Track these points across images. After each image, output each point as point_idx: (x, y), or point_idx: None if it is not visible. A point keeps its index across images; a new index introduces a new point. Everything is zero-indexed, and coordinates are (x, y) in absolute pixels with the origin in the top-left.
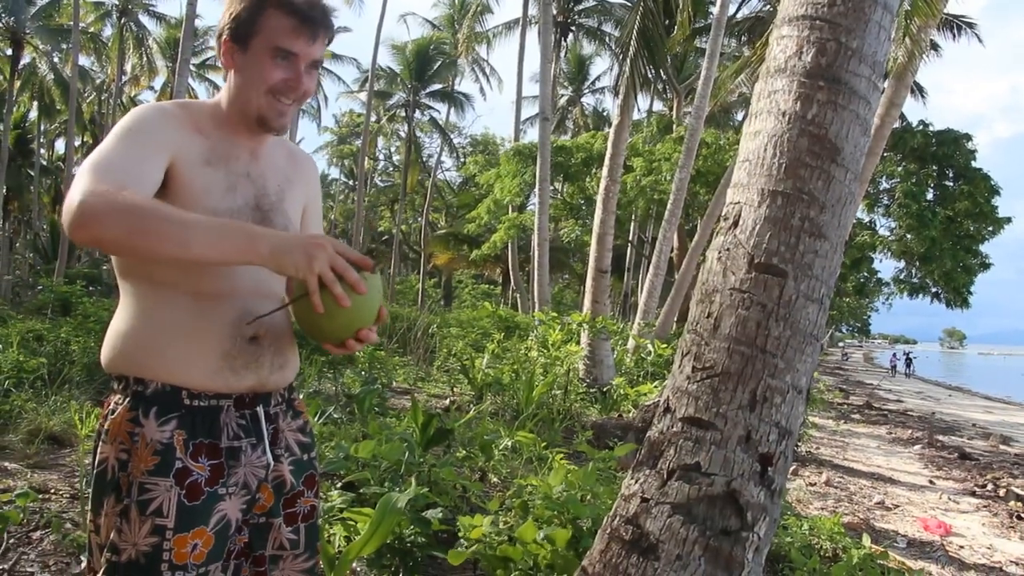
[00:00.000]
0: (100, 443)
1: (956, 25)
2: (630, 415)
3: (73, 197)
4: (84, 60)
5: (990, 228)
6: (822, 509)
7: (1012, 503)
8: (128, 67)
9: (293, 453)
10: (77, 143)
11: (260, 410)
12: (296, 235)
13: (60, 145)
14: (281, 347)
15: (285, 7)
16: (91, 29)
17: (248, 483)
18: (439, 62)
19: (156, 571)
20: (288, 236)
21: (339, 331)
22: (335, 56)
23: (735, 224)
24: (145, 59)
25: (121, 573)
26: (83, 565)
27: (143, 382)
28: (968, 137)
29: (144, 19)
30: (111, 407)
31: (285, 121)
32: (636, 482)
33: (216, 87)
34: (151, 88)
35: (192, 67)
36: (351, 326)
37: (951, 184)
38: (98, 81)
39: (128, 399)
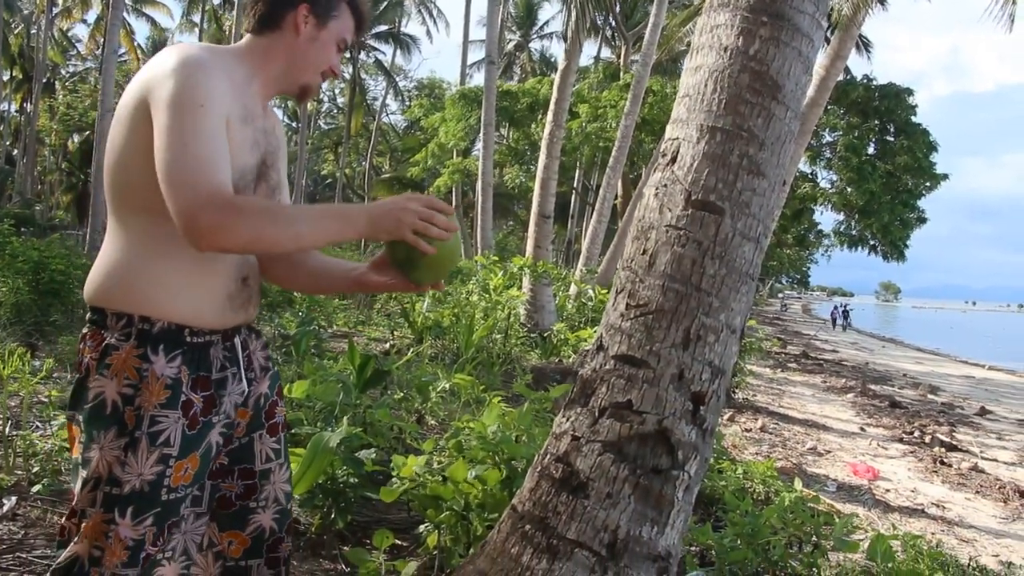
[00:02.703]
0: (95, 377)
1: None
2: (570, 360)
3: (192, 209)
4: None
5: (927, 184)
6: (757, 454)
7: (936, 449)
8: None
9: (265, 368)
10: (5, 77)
11: (238, 340)
12: (380, 203)
13: None
14: (258, 286)
15: (355, 8)
16: None
17: (228, 411)
18: (385, 3)
19: (157, 496)
20: (376, 206)
21: (437, 272)
22: None
23: (673, 160)
24: None
25: (122, 503)
26: (4, 509)
27: (149, 320)
28: (909, 92)
29: None
30: (108, 342)
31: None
32: (567, 420)
33: (154, 22)
34: (84, 21)
35: (128, 1)
36: (447, 266)
37: (892, 139)
38: (27, 12)
39: (133, 337)
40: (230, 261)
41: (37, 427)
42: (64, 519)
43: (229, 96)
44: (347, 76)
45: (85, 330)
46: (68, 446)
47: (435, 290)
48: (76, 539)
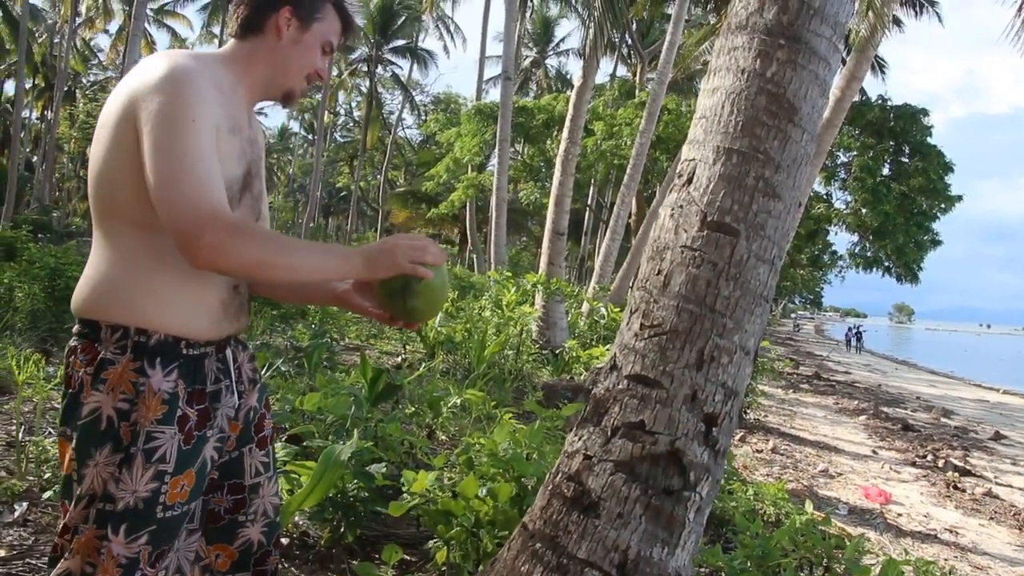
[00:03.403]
0: (90, 392)
1: (919, 3)
2: (581, 377)
3: (192, 228)
4: None
5: (942, 205)
6: (768, 476)
7: (949, 473)
8: (83, 8)
9: (253, 381)
10: (28, 85)
11: (229, 352)
12: (373, 244)
13: (9, 87)
14: (247, 294)
15: (341, 10)
16: None
17: (222, 425)
18: (403, 17)
19: (151, 513)
20: (370, 247)
21: (432, 303)
22: None
23: (689, 181)
24: (101, 1)
25: (116, 520)
26: (15, 514)
27: (145, 333)
28: (925, 113)
29: None
30: (103, 356)
31: (298, 102)
32: (580, 439)
33: (174, 33)
34: (106, 32)
35: (149, 12)
36: (440, 297)
37: (906, 160)
38: (50, 21)
39: (129, 350)
40: None
41: (50, 433)
42: (57, 535)
43: (218, 106)
44: (364, 90)
45: (75, 343)
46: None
47: (409, 328)
48: (68, 555)
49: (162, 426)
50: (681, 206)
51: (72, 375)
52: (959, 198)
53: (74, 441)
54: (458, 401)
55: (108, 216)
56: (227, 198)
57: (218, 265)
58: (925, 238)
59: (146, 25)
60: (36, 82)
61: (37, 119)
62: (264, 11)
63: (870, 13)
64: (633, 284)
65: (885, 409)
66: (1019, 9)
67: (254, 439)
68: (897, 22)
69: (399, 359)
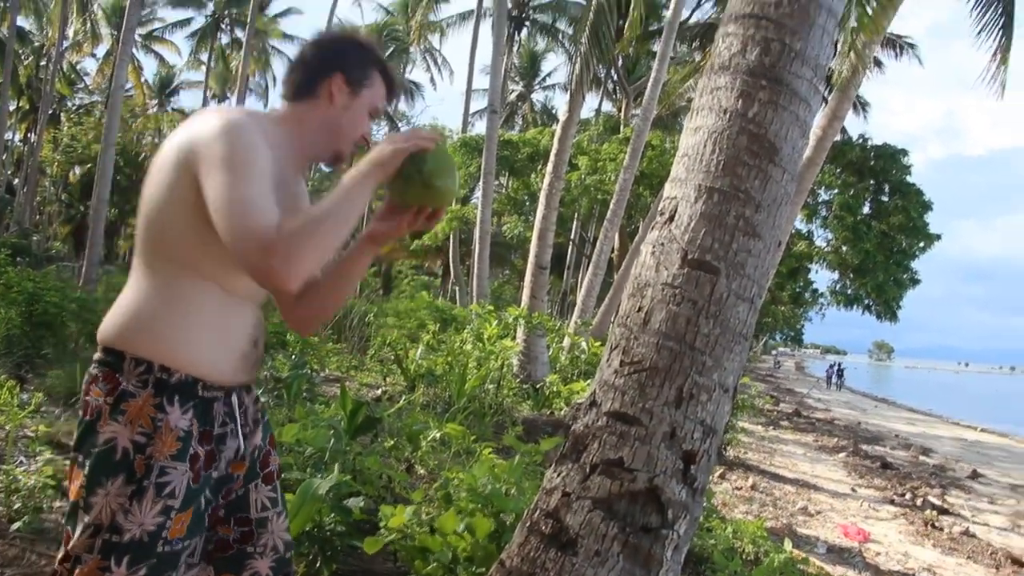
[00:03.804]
0: (108, 422)
1: (899, 45)
2: (562, 412)
3: (260, 252)
4: (23, 21)
5: (921, 244)
6: (747, 513)
7: (928, 512)
8: (70, 32)
9: (257, 421)
10: (12, 107)
11: (235, 397)
12: (371, 151)
13: None
14: (263, 350)
15: (387, 77)
16: None
17: (222, 467)
18: (391, 49)
19: (153, 547)
20: (370, 154)
21: (448, 170)
22: (286, 36)
23: (671, 219)
24: (89, 25)
25: (120, 551)
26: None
27: (168, 370)
28: (904, 152)
29: None
30: (124, 388)
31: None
32: (558, 475)
33: (162, 59)
34: (93, 56)
35: (137, 37)
36: (452, 164)
37: (886, 199)
38: (37, 44)
39: (151, 385)
40: (247, 321)
41: (21, 462)
42: (57, 563)
43: (267, 161)
44: None
45: (95, 371)
46: (67, 486)
47: (440, 206)
48: None
49: (175, 462)
50: (662, 243)
51: (89, 402)
52: (938, 237)
53: (86, 468)
54: (438, 435)
55: (153, 253)
56: None
57: (298, 272)
58: (904, 276)
59: (134, 50)
60: (20, 104)
61: (20, 141)
62: (317, 77)
63: (851, 54)
64: (614, 320)
65: (864, 447)
66: (994, 54)
67: (259, 475)
68: (878, 63)
69: (379, 391)
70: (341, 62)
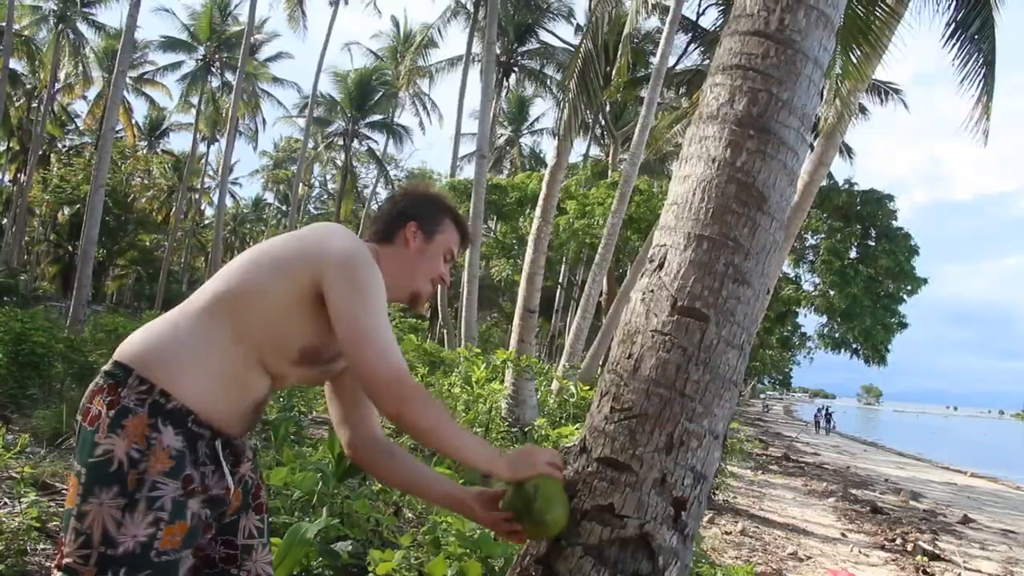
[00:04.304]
0: (107, 435)
1: (884, 91)
2: None
3: (389, 381)
4: (15, 64)
5: (908, 288)
6: (736, 558)
7: (918, 557)
8: (62, 75)
9: (248, 458)
10: (2, 148)
11: (219, 443)
12: (514, 454)
13: None
14: (262, 414)
15: (459, 225)
16: (25, 32)
17: (218, 498)
18: (380, 93)
19: (147, 556)
20: (513, 454)
21: (551, 519)
22: (276, 80)
23: (660, 266)
24: (81, 68)
25: (116, 565)
26: None
27: (167, 396)
28: (890, 198)
29: (82, 27)
30: (124, 404)
31: (425, 304)
32: None
33: (152, 102)
34: (84, 97)
35: (129, 80)
36: (560, 516)
37: (873, 243)
38: (29, 86)
39: (147, 406)
40: (263, 393)
41: (6, 504)
42: (54, 567)
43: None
44: (339, 163)
45: (101, 382)
46: (54, 526)
47: (543, 536)
48: None
49: (166, 478)
50: (652, 291)
51: (91, 411)
52: (925, 281)
53: (82, 477)
54: None
55: (228, 311)
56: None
57: (403, 414)
58: (892, 320)
59: (124, 92)
60: (11, 145)
61: (10, 182)
62: (395, 225)
63: (837, 101)
64: (603, 363)
65: (854, 491)
66: (976, 101)
67: (251, 505)
68: (863, 109)
69: None
70: (415, 211)
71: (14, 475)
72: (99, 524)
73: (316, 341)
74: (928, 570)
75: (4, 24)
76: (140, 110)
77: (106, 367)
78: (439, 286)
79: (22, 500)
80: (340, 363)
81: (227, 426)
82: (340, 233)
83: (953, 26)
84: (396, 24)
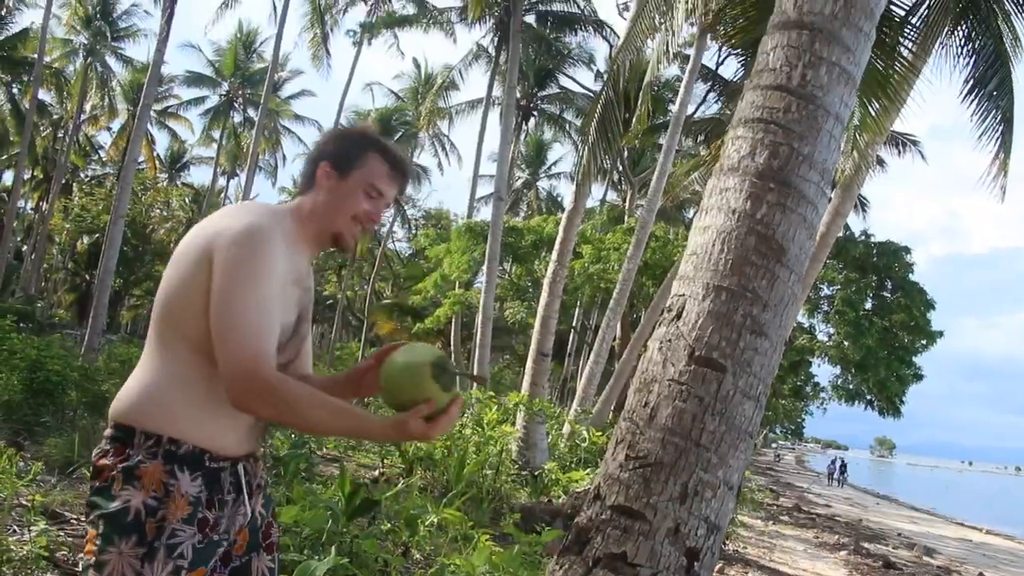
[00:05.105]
0: (120, 488)
1: (902, 142)
2: (560, 501)
3: (236, 375)
4: (44, 95)
5: (923, 341)
6: None
7: None
8: (88, 106)
9: (262, 490)
10: (26, 176)
11: (241, 467)
12: (397, 424)
13: (8, 177)
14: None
15: (387, 157)
16: (55, 65)
17: (232, 530)
18: (400, 133)
19: None
20: (394, 427)
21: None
22: (297, 117)
23: (678, 316)
24: (107, 100)
25: None
26: None
27: (177, 443)
28: (907, 250)
29: (110, 60)
30: (135, 460)
31: (355, 244)
32: (560, 568)
33: (174, 134)
34: (108, 129)
35: (153, 113)
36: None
37: (888, 295)
38: (55, 116)
39: (160, 456)
40: None
41: (15, 531)
42: None
43: (287, 262)
44: None
45: (106, 447)
46: (62, 556)
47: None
48: None
49: (185, 525)
50: (670, 340)
51: (103, 470)
52: (940, 334)
53: (100, 527)
54: (435, 519)
55: (171, 335)
56: (281, 340)
57: (249, 411)
58: (907, 372)
59: (148, 125)
60: (35, 174)
61: (32, 210)
62: (311, 169)
63: (855, 153)
64: (615, 408)
65: (866, 545)
66: (994, 158)
67: (261, 544)
68: (880, 161)
69: (376, 472)
70: (332, 151)
71: (25, 503)
72: (115, 572)
73: None
74: None
75: (36, 56)
76: (162, 143)
77: (108, 432)
78: (368, 226)
79: (32, 528)
80: (304, 330)
81: (242, 447)
82: (236, 211)
83: (972, 83)
84: (417, 66)
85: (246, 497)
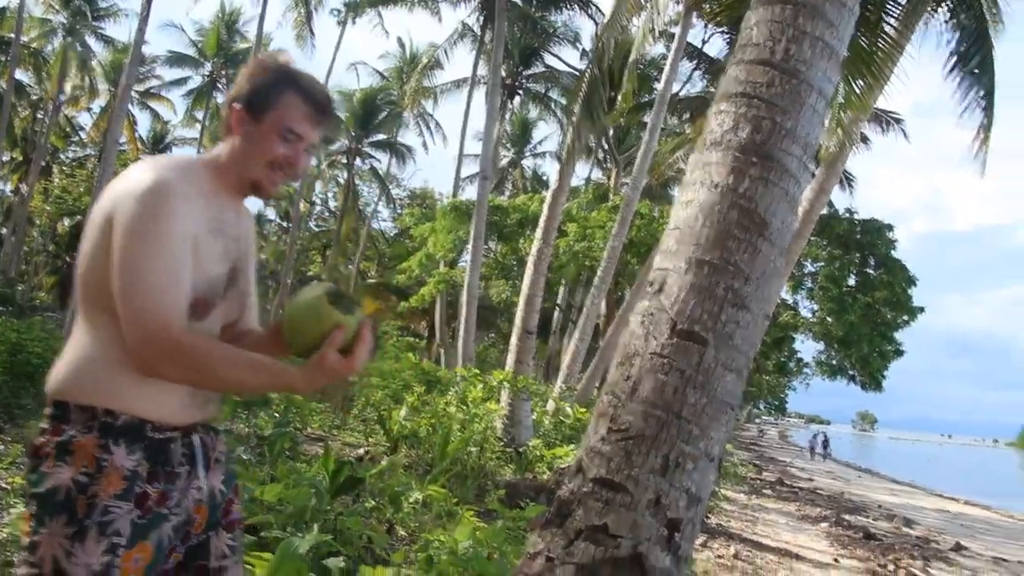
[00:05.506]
0: (52, 465)
1: (886, 120)
2: (545, 477)
3: (137, 340)
4: (22, 75)
5: (905, 317)
6: None
7: None
8: (68, 87)
9: (222, 464)
10: (5, 158)
11: (196, 438)
12: (304, 368)
13: None
14: None
15: (303, 94)
16: (33, 45)
17: (186, 505)
18: (385, 112)
19: None
20: (308, 375)
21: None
22: None
23: (660, 289)
24: (87, 81)
25: None
26: None
27: (113, 414)
28: (890, 227)
29: (91, 40)
30: (68, 435)
31: (276, 191)
32: (542, 540)
33: (156, 115)
34: (89, 110)
35: (134, 94)
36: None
37: (872, 272)
38: (34, 97)
39: (96, 429)
40: None
41: None
42: None
43: (199, 213)
44: (341, 181)
45: (45, 425)
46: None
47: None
48: None
49: (119, 501)
50: (652, 313)
51: (38, 448)
52: (921, 310)
53: (33, 508)
54: (419, 496)
55: (92, 305)
56: (211, 296)
57: (159, 375)
58: (889, 348)
59: (129, 106)
60: (14, 156)
61: (11, 192)
62: (227, 112)
63: (839, 130)
64: (599, 385)
65: (847, 517)
66: (976, 132)
67: (221, 522)
68: (864, 139)
69: (361, 451)
70: (245, 93)
71: (4, 486)
72: (49, 556)
73: (196, 290)
74: None
75: (13, 36)
76: (144, 124)
77: (46, 410)
78: (289, 172)
79: (11, 511)
80: (244, 283)
81: (187, 414)
82: (140, 168)
83: (954, 60)
84: (402, 45)
85: (201, 471)
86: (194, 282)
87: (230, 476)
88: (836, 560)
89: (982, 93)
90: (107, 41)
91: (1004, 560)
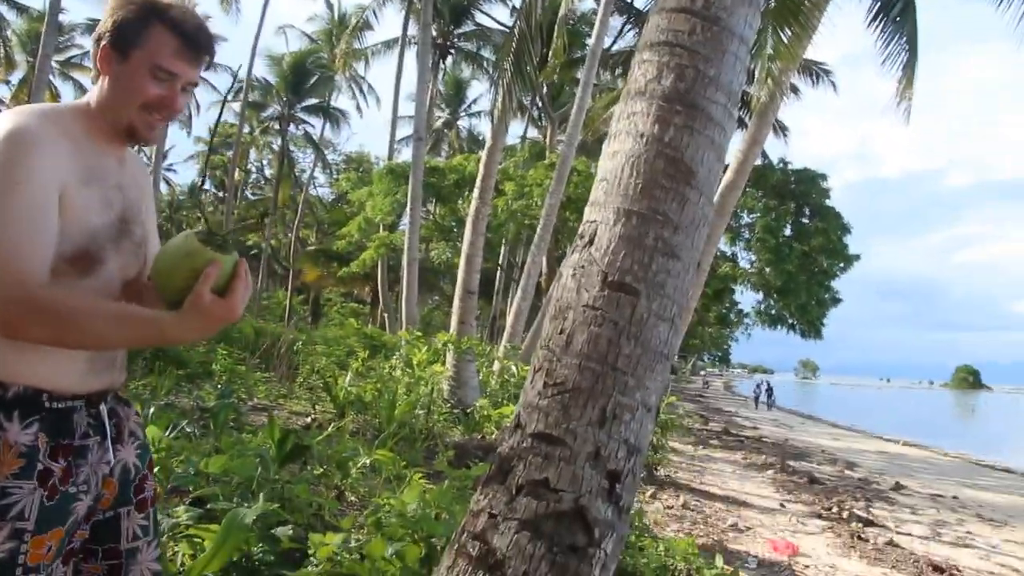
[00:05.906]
0: None
1: (815, 71)
2: (493, 436)
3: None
4: None
5: (841, 264)
6: (678, 531)
7: (853, 524)
8: None
9: (136, 438)
10: None
11: (104, 408)
12: (180, 313)
13: None
14: (124, 350)
15: (173, 27)
16: None
17: (94, 481)
18: (316, 76)
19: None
20: (182, 316)
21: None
22: (209, 64)
23: (590, 242)
24: (3, 51)
25: None
26: None
27: (3, 385)
28: (824, 177)
29: (2, 9)
30: None
31: (154, 135)
32: (485, 498)
33: (81, 86)
34: (7, 82)
35: (55, 64)
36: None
37: (807, 221)
38: None
39: None
40: None
41: None
42: None
43: (66, 160)
44: (275, 148)
45: None
46: None
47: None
48: None
49: (19, 481)
50: (583, 266)
51: None
52: (857, 257)
53: None
54: (368, 461)
55: None
56: (95, 249)
57: (20, 337)
58: (826, 296)
59: (51, 77)
60: None
61: None
62: (95, 54)
63: (768, 80)
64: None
65: (792, 463)
66: (899, 82)
67: (133, 500)
68: (794, 89)
69: (308, 419)
70: (110, 29)
71: None
72: None
73: (74, 243)
74: (863, 536)
75: None
76: (67, 94)
77: None
78: (165, 114)
79: None
80: (139, 234)
81: (89, 381)
82: (2, 119)
83: (876, 8)
84: (330, 6)
85: (109, 442)
86: (69, 234)
87: (144, 450)
88: (782, 505)
89: (904, 40)
90: (21, 9)
91: (940, 496)
